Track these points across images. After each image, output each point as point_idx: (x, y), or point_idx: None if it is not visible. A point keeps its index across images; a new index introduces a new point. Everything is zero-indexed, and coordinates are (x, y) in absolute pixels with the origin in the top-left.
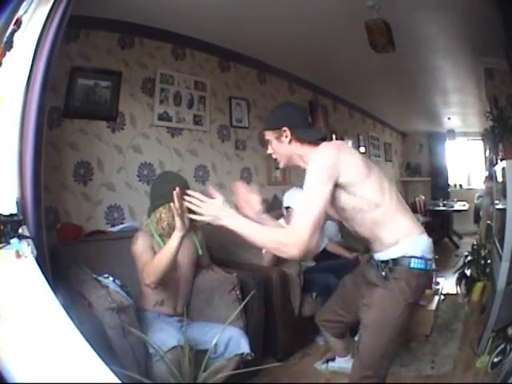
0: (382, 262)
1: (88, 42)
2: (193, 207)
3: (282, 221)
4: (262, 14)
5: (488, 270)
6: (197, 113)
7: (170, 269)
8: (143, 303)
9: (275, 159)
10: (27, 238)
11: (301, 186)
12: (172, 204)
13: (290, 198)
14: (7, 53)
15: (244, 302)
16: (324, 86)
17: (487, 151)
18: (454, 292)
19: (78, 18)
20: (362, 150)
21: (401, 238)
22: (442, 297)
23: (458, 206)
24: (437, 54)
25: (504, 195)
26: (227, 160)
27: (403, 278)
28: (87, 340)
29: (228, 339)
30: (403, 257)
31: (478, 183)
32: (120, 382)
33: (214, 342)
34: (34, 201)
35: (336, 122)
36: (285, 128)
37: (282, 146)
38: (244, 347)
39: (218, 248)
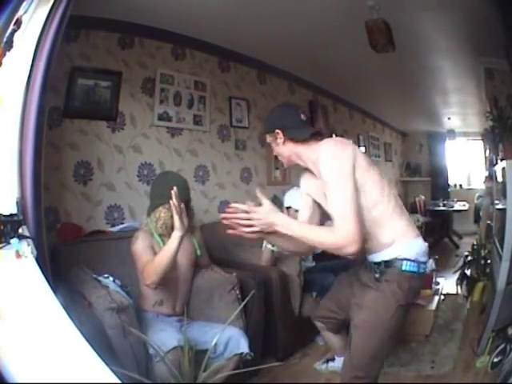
0: (375, 263)
1: (88, 42)
2: (241, 222)
3: None
4: (262, 14)
5: (488, 270)
6: (197, 113)
7: (170, 269)
8: (142, 303)
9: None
10: (27, 237)
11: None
12: (171, 202)
13: (291, 198)
14: (7, 53)
15: (244, 302)
16: (324, 85)
17: (487, 151)
18: (454, 292)
19: (78, 17)
20: (362, 149)
21: (395, 239)
22: (442, 297)
23: (457, 206)
24: (437, 54)
25: (504, 195)
26: (227, 160)
27: (395, 281)
28: (87, 340)
29: (228, 339)
30: (396, 259)
31: (478, 183)
32: (120, 382)
33: (213, 342)
34: (34, 201)
35: (336, 122)
36: (277, 130)
37: (279, 148)
38: (243, 347)
39: (218, 248)
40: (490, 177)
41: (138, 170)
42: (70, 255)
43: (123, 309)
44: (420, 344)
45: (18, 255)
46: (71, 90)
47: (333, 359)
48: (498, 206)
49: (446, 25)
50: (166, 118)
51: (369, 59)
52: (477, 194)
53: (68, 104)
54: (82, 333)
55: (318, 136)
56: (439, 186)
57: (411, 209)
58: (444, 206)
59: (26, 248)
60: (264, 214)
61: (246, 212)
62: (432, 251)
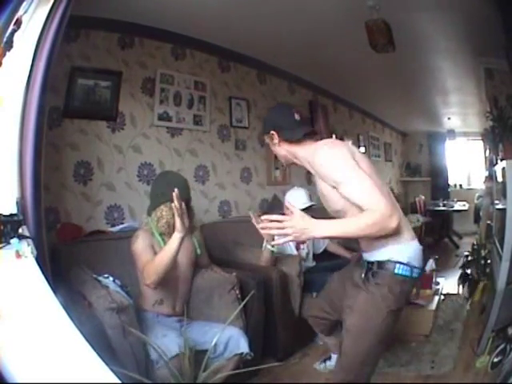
0: (369, 262)
1: (88, 42)
2: (274, 232)
3: None
4: (261, 14)
5: (488, 270)
6: (197, 113)
7: (170, 269)
8: (142, 302)
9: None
10: (27, 237)
11: (300, 185)
12: (173, 204)
13: (291, 197)
14: (7, 53)
15: (244, 302)
16: (324, 85)
17: (487, 151)
18: (454, 292)
19: (78, 17)
20: (362, 149)
21: (390, 241)
22: (442, 297)
23: (457, 206)
24: (437, 54)
25: (504, 195)
26: (227, 160)
27: (386, 285)
28: (87, 340)
29: (227, 339)
30: (388, 261)
31: (478, 183)
32: (120, 382)
33: (213, 342)
34: (34, 201)
35: (336, 122)
36: (272, 132)
37: (275, 148)
38: (243, 347)
39: (218, 248)
40: (490, 177)
41: (138, 170)
42: (70, 255)
43: (123, 309)
44: (420, 344)
45: (18, 255)
46: (71, 89)
47: (329, 358)
48: (497, 206)
49: (446, 25)
50: (165, 118)
51: (369, 59)
52: (477, 194)
53: (68, 104)
54: (82, 333)
55: (313, 135)
56: (439, 186)
57: (411, 209)
58: (444, 206)
59: (26, 248)
60: (296, 223)
61: (279, 221)
62: (432, 251)
